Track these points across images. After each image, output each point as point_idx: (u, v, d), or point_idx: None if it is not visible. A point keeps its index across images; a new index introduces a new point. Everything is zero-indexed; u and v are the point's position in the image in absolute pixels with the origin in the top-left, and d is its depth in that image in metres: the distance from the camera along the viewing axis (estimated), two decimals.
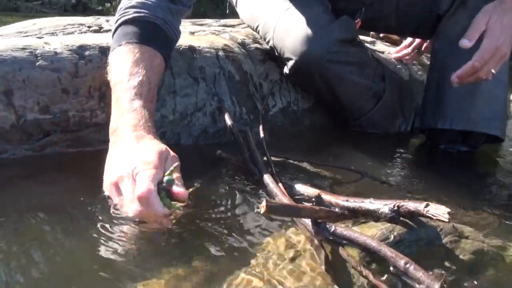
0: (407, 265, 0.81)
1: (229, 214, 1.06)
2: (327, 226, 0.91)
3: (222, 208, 1.07)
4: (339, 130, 1.67)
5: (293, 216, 0.96)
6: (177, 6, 1.30)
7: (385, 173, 1.39)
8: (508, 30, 1.38)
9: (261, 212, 0.84)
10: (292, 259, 0.90)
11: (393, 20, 1.71)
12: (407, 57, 1.96)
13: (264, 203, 0.84)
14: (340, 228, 0.91)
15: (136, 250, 0.92)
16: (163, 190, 0.95)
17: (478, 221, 1.13)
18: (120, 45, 1.19)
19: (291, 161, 1.33)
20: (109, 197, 1.01)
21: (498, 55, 1.37)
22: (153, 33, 1.22)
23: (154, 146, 1.00)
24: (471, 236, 1.00)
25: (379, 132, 1.67)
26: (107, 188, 1.00)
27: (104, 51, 1.35)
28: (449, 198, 1.23)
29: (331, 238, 0.92)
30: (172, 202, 0.95)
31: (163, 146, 1.01)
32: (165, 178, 0.96)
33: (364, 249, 0.88)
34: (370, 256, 0.88)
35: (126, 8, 1.24)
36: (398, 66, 1.92)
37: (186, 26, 1.72)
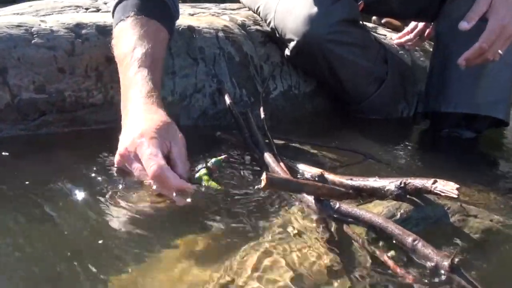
0: (415, 242, 0.79)
1: (232, 193, 1.02)
2: (331, 203, 0.88)
3: (225, 188, 1.04)
4: (341, 115, 1.64)
5: (295, 191, 0.93)
6: None
7: (389, 156, 1.37)
8: None
9: (262, 186, 0.81)
10: (298, 234, 0.87)
11: (395, 3, 1.68)
12: (409, 43, 1.93)
13: (264, 176, 0.81)
14: (345, 206, 0.88)
15: (132, 228, 0.90)
16: (208, 169, 1.01)
17: (484, 201, 1.11)
18: (127, 17, 1.17)
19: (292, 143, 1.30)
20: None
21: (504, 35, 1.34)
22: (158, 7, 1.21)
23: (154, 118, 1.02)
24: (479, 215, 0.97)
25: (381, 118, 1.64)
26: (116, 163, 1.04)
27: (101, 30, 1.32)
28: (453, 180, 1.21)
29: (335, 216, 0.89)
30: (211, 184, 0.99)
31: (163, 118, 1.03)
32: (213, 160, 1.03)
33: (370, 226, 0.85)
34: (377, 234, 0.86)
35: None
36: (400, 52, 1.89)
37: (185, 9, 1.68)
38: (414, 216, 0.90)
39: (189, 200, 0.97)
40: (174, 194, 0.96)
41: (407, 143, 1.51)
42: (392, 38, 1.94)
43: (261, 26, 1.61)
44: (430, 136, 1.59)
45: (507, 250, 0.92)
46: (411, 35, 1.91)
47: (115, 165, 1.05)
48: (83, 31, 1.32)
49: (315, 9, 1.47)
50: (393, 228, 0.82)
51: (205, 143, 1.25)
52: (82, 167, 1.09)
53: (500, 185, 1.24)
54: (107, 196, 0.99)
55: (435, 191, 0.89)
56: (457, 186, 0.87)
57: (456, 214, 0.95)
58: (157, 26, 1.18)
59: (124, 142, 1.02)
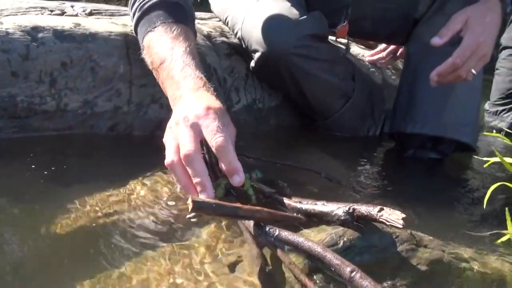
0: (353, 273, 0.75)
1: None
2: (270, 229, 0.84)
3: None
4: (306, 131, 1.61)
5: (228, 216, 0.88)
6: None
7: (349, 175, 1.34)
8: (491, 29, 1.33)
9: (189, 211, 0.77)
10: (231, 265, 0.84)
11: (368, 24, 1.65)
12: (382, 61, 1.91)
13: (190, 200, 0.76)
14: (284, 232, 0.83)
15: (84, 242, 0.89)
16: (249, 178, 1.00)
17: (439, 229, 1.08)
18: (155, 27, 1.18)
19: (250, 159, 1.27)
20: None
21: (479, 53, 1.31)
22: (181, 13, 1.23)
23: (216, 101, 1.02)
24: (430, 245, 0.94)
25: (348, 135, 1.61)
26: (166, 133, 1.01)
27: (58, 34, 1.29)
28: (411, 204, 1.18)
29: (275, 243, 0.85)
30: (249, 190, 0.99)
31: (218, 103, 1.01)
32: (257, 170, 1.05)
33: (309, 255, 0.81)
34: (316, 264, 0.82)
35: None
36: (371, 70, 1.87)
37: None
38: (358, 245, 0.86)
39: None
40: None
41: (370, 162, 1.48)
42: (364, 55, 1.92)
43: (228, 37, 1.58)
44: (395, 157, 1.57)
45: (456, 284, 0.88)
46: (384, 54, 1.89)
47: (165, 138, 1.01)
48: (40, 35, 1.28)
49: (283, 22, 1.44)
50: (331, 257, 0.78)
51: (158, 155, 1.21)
52: (31, 174, 1.07)
53: (459, 212, 1.21)
54: (50, 203, 0.97)
55: (381, 219, 0.85)
56: (403, 215, 0.84)
57: (405, 243, 0.91)
58: (186, 28, 1.19)
59: (184, 111, 0.99)
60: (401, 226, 0.83)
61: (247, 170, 1.01)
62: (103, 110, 1.29)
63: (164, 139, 1.00)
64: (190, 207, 0.76)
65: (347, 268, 0.76)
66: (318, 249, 0.79)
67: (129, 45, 1.34)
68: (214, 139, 0.94)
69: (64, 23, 1.32)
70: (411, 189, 1.33)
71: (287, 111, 1.61)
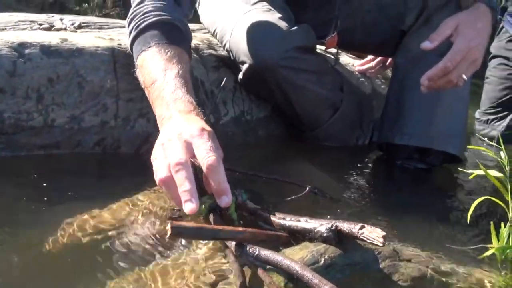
0: None
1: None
2: (250, 249, 0.84)
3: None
4: (295, 142, 1.61)
5: (209, 238, 0.88)
6: (183, 9, 1.33)
7: (336, 188, 1.34)
8: (482, 35, 1.33)
9: (168, 236, 0.77)
10: (213, 284, 0.84)
11: (357, 36, 1.66)
12: (371, 70, 1.92)
13: (169, 226, 0.76)
14: (264, 251, 0.84)
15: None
16: (235, 196, 1.00)
17: (424, 242, 1.07)
18: (149, 47, 1.18)
19: (236, 173, 1.27)
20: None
21: (470, 57, 1.31)
22: (177, 34, 1.24)
23: (202, 123, 1.02)
24: (414, 260, 0.94)
25: (336, 145, 1.61)
26: (155, 150, 1.01)
27: (45, 50, 1.29)
28: (397, 216, 1.19)
29: (256, 263, 0.85)
30: (233, 214, 0.99)
31: (210, 128, 1.02)
32: (243, 193, 1.03)
33: (288, 274, 0.81)
34: (297, 283, 0.82)
35: (144, 14, 1.24)
36: (361, 79, 1.88)
37: None
38: (340, 262, 0.87)
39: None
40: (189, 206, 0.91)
41: (358, 173, 1.48)
42: (354, 65, 1.93)
43: (216, 50, 1.58)
44: (383, 167, 1.57)
45: None
46: (373, 63, 1.90)
47: (153, 156, 1.00)
48: (26, 51, 1.28)
49: (270, 34, 1.45)
50: (310, 276, 0.78)
51: (145, 173, 1.21)
52: (18, 194, 1.07)
53: (445, 224, 1.21)
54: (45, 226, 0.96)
55: (361, 237, 0.86)
56: (384, 233, 0.84)
57: (387, 259, 0.91)
58: (180, 50, 1.20)
59: (178, 129, 0.99)
60: (381, 245, 0.84)
61: (233, 188, 1.01)
62: (90, 125, 1.29)
63: (152, 157, 1.00)
64: (169, 232, 0.76)
65: (325, 287, 0.76)
66: (297, 267, 0.79)
67: (116, 60, 1.34)
68: (207, 157, 0.94)
69: (51, 39, 1.32)
70: (398, 200, 1.33)
71: (275, 122, 1.62)
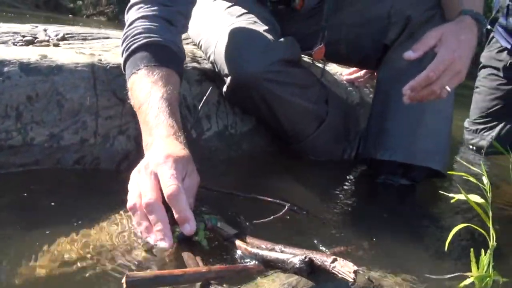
0: None
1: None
2: None
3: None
4: (280, 155, 1.61)
5: (170, 284, 0.85)
6: (177, 28, 1.33)
7: (318, 205, 1.33)
8: (465, 47, 1.30)
9: None
10: None
11: (343, 48, 1.65)
12: (359, 79, 1.91)
13: (124, 279, 0.75)
14: None
15: None
16: (203, 222, 1.01)
17: (401, 268, 1.06)
18: (138, 70, 1.20)
19: (212, 191, 1.25)
20: None
21: (454, 69, 1.28)
22: (167, 55, 1.25)
23: (180, 149, 1.05)
24: None
25: (322, 159, 1.60)
26: (131, 177, 1.04)
27: (24, 68, 1.27)
28: (377, 240, 1.17)
29: None
30: (202, 240, 1.00)
31: (187, 153, 1.05)
32: (212, 218, 1.04)
33: None
34: None
35: (134, 36, 1.25)
36: (349, 89, 1.87)
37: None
38: None
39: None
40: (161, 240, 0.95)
41: (341, 190, 1.48)
42: (342, 74, 1.92)
43: (199, 63, 1.57)
44: (366, 184, 1.56)
45: None
46: (361, 72, 1.89)
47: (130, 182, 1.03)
48: (5, 69, 1.26)
49: (255, 46, 1.44)
50: None
51: (125, 191, 1.20)
52: None
53: (423, 249, 1.19)
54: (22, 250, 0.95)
55: (333, 270, 0.85)
56: (355, 268, 0.83)
57: None
58: (168, 71, 1.20)
59: (147, 159, 1.03)
60: (351, 280, 0.83)
61: (202, 213, 1.03)
62: (69, 143, 1.28)
63: (128, 185, 1.03)
64: (124, 286, 0.75)
65: None
66: None
67: (95, 76, 1.33)
68: (166, 187, 0.97)
69: (30, 55, 1.31)
70: (379, 221, 1.31)
71: (260, 135, 1.61)
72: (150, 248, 0.98)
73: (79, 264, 0.94)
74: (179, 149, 1.04)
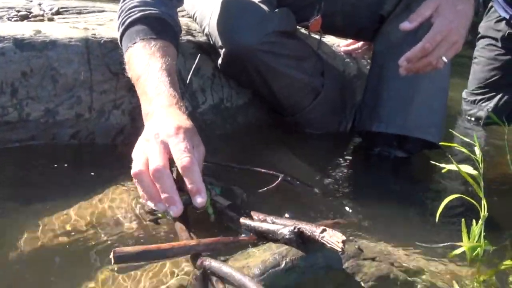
0: None
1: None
2: (204, 262, 0.84)
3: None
4: (275, 128, 1.61)
5: (159, 259, 0.86)
6: (172, 1, 1.32)
7: (312, 176, 1.34)
8: (462, 17, 1.30)
9: (112, 263, 0.77)
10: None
11: (339, 20, 1.63)
12: (358, 51, 1.89)
13: (112, 255, 0.76)
14: (216, 263, 0.83)
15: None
16: (209, 191, 1.01)
17: (393, 238, 1.08)
18: (134, 43, 1.19)
19: (208, 164, 1.26)
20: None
21: (450, 39, 1.28)
22: (162, 27, 1.24)
23: (186, 120, 1.04)
24: (378, 258, 0.95)
25: (317, 132, 1.61)
26: (136, 147, 1.02)
27: (19, 44, 1.27)
28: (369, 210, 1.19)
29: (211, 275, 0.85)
30: (209, 210, 1.01)
31: (192, 124, 1.04)
32: (217, 189, 1.05)
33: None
34: None
35: (130, 9, 1.24)
36: (346, 60, 1.86)
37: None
38: (301, 264, 0.87)
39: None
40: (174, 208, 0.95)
41: (336, 161, 1.48)
42: (339, 45, 1.91)
43: (194, 36, 1.56)
44: (362, 155, 1.56)
45: None
46: (359, 44, 1.88)
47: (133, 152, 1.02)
48: (0, 45, 1.26)
49: (249, 18, 1.43)
50: None
51: (121, 165, 1.21)
52: None
53: (415, 219, 1.21)
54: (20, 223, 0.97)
55: (321, 240, 0.86)
56: (343, 238, 0.84)
57: (351, 258, 0.92)
58: (165, 43, 1.20)
59: (155, 129, 1.01)
60: (340, 250, 0.84)
61: (207, 183, 1.03)
62: (64, 118, 1.29)
63: (133, 154, 1.02)
64: (112, 261, 0.77)
65: None
66: (247, 283, 0.78)
67: (89, 51, 1.33)
68: (181, 158, 0.95)
69: (24, 31, 1.31)
70: (372, 192, 1.33)
71: (256, 108, 1.61)
72: (157, 219, 1.00)
73: (75, 237, 0.97)
74: (185, 119, 1.04)
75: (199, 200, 0.95)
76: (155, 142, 0.98)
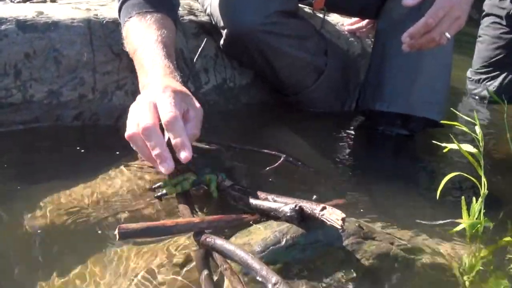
0: (276, 285, 0.77)
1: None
2: (207, 239, 0.85)
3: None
4: (278, 108, 1.61)
5: (163, 235, 0.88)
6: None
7: (314, 156, 1.35)
8: None
9: (117, 239, 0.79)
10: (181, 266, 0.85)
11: None
12: (362, 29, 1.88)
13: (116, 231, 0.78)
14: (219, 241, 0.84)
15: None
16: (216, 175, 1.03)
17: (393, 216, 1.09)
18: (130, 17, 1.20)
19: (208, 145, 1.27)
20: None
21: (453, 14, 1.26)
22: (158, 0, 1.23)
23: (178, 84, 1.03)
24: (378, 237, 0.95)
25: (320, 111, 1.61)
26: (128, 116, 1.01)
27: (21, 25, 1.28)
28: (371, 189, 1.20)
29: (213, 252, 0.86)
30: (214, 191, 1.02)
31: (185, 88, 1.04)
32: (223, 175, 1.05)
33: (240, 264, 0.82)
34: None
35: None
36: (350, 39, 1.85)
37: None
38: (301, 242, 0.88)
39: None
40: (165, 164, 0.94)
41: (338, 141, 1.49)
42: (343, 24, 1.90)
43: (196, 16, 1.56)
44: (365, 134, 1.56)
45: (400, 280, 0.89)
46: (363, 22, 1.87)
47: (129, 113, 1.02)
48: (2, 27, 1.27)
49: None
50: (259, 268, 0.79)
51: (124, 146, 1.23)
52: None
53: (416, 197, 1.21)
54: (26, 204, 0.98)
55: (321, 218, 0.87)
56: (343, 216, 0.85)
57: (351, 236, 0.92)
58: (161, 16, 1.20)
59: (145, 93, 1.01)
60: (339, 227, 0.85)
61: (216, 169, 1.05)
62: (68, 99, 1.30)
63: (127, 120, 1.01)
64: (117, 237, 0.78)
65: (272, 279, 0.78)
66: (248, 260, 0.80)
67: (92, 31, 1.33)
68: (165, 114, 0.95)
69: (27, 12, 1.31)
70: (374, 171, 1.33)
71: (258, 88, 1.61)
72: (160, 196, 1.01)
73: (80, 215, 0.98)
74: (177, 84, 1.04)
75: (184, 155, 0.93)
76: (144, 103, 0.98)
